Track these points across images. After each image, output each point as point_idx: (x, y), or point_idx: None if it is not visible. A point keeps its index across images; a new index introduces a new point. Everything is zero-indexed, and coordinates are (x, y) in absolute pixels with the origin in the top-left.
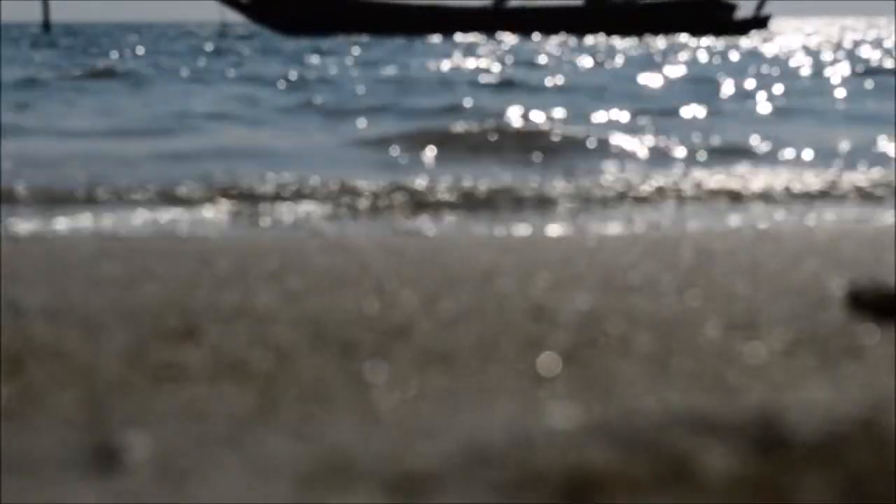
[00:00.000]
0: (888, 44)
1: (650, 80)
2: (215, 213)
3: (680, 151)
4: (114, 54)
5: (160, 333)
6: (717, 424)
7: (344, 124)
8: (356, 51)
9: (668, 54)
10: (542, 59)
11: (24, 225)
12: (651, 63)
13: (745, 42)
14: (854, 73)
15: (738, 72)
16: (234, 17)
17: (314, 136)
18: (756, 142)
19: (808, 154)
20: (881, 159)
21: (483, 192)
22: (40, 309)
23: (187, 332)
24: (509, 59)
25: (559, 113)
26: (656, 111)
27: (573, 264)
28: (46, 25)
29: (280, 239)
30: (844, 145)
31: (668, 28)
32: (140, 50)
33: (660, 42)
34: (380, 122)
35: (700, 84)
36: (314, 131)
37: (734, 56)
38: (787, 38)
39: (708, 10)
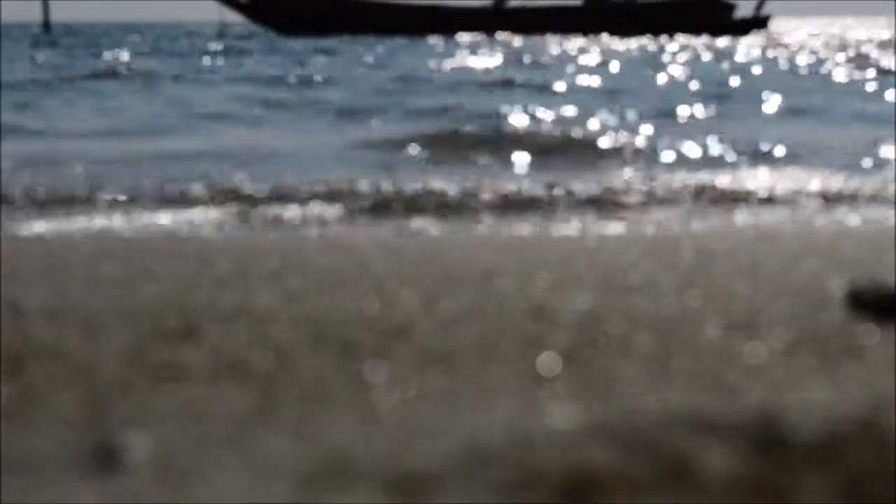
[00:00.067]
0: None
1: (654, 79)
2: (215, 214)
3: (694, 153)
4: (114, 54)
5: (160, 333)
6: (717, 424)
7: (345, 125)
8: (357, 51)
9: (672, 54)
10: (544, 59)
11: (24, 225)
12: (655, 63)
13: (748, 41)
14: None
15: (745, 72)
16: (233, 17)
17: (315, 136)
18: (769, 143)
19: (817, 156)
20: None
21: (483, 193)
22: (40, 309)
23: (187, 332)
24: (510, 60)
25: (561, 114)
26: (662, 111)
27: (573, 264)
28: (46, 25)
29: (280, 239)
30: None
31: (668, 28)
32: (141, 50)
33: (662, 42)
34: (381, 123)
35: (708, 84)
36: (315, 131)
37: (739, 56)
38: (791, 37)
39: (707, 10)
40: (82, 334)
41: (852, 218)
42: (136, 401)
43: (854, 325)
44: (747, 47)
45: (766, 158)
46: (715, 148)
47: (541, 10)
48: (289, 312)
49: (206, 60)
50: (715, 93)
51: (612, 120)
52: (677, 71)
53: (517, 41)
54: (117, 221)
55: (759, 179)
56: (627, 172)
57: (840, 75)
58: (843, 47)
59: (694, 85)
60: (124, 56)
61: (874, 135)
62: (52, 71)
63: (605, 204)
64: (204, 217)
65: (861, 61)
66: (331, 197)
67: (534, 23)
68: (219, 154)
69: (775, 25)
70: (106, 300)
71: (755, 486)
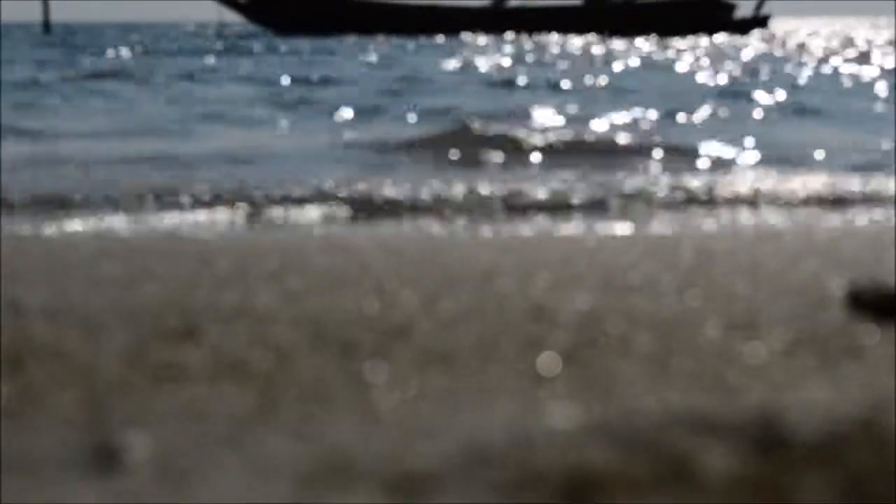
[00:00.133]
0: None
1: (657, 80)
2: (216, 214)
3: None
4: (114, 54)
5: (160, 333)
6: (717, 424)
7: (346, 125)
8: (358, 51)
9: (677, 52)
10: (545, 59)
11: (24, 225)
12: (659, 63)
13: (750, 40)
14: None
15: (752, 72)
16: (232, 17)
17: (315, 136)
18: (769, 144)
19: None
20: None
21: (483, 194)
22: (40, 309)
23: (187, 332)
24: (511, 60)
25: (562, 114)
26: (671, 111)
27: (573, 264)
28: (47, 25)
29: (280, 239)
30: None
31: (668, 28)
32: (141, 50)
33: (664, 41)
34: (382, 123)
35: (712, 83)
36: (315, 132)
37: (744, 55)
38: (792, 37)
39: (707, 9)
40: (82, 334)
41: (852, 218)
42: (136, 401)
43: (854, 325)
44: (753, 49)
45: (767, 159)
46: (715, 148)
47: (541, 10)
48: (289, 312)
49: (206, 60)
50: (719, 92)
51: (619, 119)
52: (683, 69)
53: (520, 41)
54: (117, 221)
55: (759, 180)
56: (632, 173)
57: (845, 74)
58: (846, 46)
59: (699, 84)
60: (124, 56)
61: (877, 135)
62: (52, 71)
63: (608, 205)
64: (204, 217)
65: (864, 60)
66: (330, 197)
67: (534, 22)
68: (219, 154)
69: (775, 25)
70: (106, 300)
71: (755, 486)
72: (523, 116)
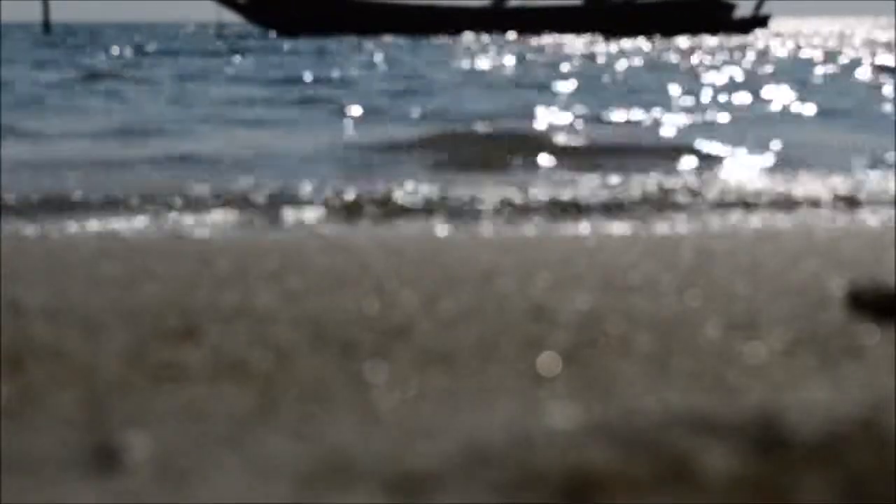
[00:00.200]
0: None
1: (660, 79)
2: (216, 214)
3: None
4: (114, 54)
5: (160, 333)
6: (717, 424)
7: (346, 125)
8: (358, 51)
9: (679, 51)
10: (545, 59)
11: (24, 225)
12: (662, 63)
13: (750, 39)
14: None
15: (753, 72)
16: (231, 17)
17: (315, 136)
18: (770, 143)
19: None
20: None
21: (483, 194)
22: (40, 309)
23: (187, 332)
24: (512, 59)
25: (565, 114)
26: (671, 111)
27: (573, 264)
28: (47, 25)
29: (280, 239)
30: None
31: (668, 28)
32: (140, 50)
33: (663, 41)
34: (382, 124)
35: (709, 83)
36: (316, 132)
37: (747, 55)
38: (792, 36)
39: (707, 9)
40: (82, 334)
41: (852, 218)
42: (136, 401)
43: (854, 325)
44: (754, 49)
45: (767, 159)
46: (715, 147)
47: (540, 10)
48: (289, 312)
49: (206, 61)
50: (720, 91)
51: (621, 118)
52: (686, 68)
53: (521, 40)
54: (117, 221)
55: (759, 180)
56: (632, 174)
57: (845, 74)
58: (846, 45)
59: (702, 83)
60: (124, 56)
61: (880, 136)
62: (52, 71)
63: (610, 206)
64: (204, 217)
65: (865, 60)
66: (331, 197)
67: (533, 22)
68: (219, 154)
69: (775, 25)
70: (106, 300)
71: (755, 486)
72: (526, 116)
